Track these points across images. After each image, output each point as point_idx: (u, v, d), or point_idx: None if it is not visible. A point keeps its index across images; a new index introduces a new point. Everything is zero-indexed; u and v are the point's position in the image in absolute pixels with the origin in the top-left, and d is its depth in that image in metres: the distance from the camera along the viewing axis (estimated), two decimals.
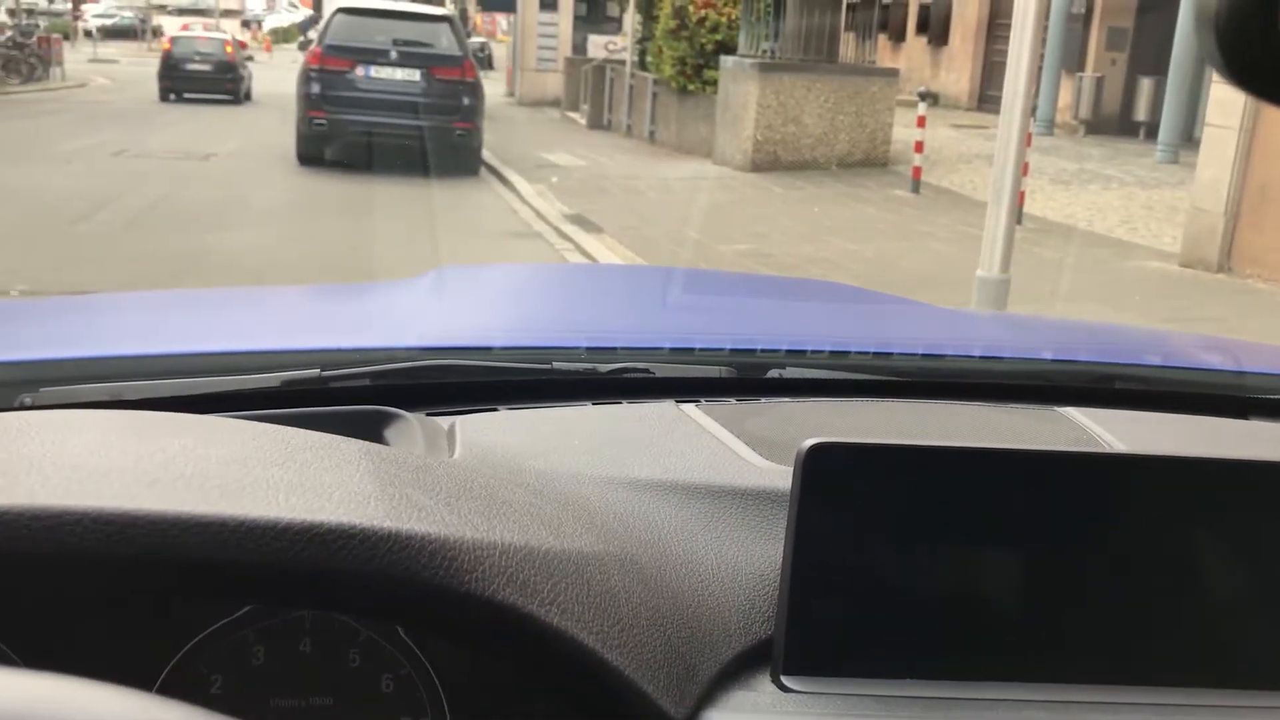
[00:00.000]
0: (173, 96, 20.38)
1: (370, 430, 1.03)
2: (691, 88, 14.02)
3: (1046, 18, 6.84)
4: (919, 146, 11.40)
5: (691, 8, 13.68)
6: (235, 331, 1.48)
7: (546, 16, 22.16)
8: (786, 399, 1.23)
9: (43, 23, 28.63)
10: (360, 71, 12.02)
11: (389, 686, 0.79)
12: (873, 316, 1.94)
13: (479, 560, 0.69)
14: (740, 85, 12.59)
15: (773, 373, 1.30)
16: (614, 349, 1.29)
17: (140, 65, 29.58)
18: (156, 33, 41.84)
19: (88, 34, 37.16)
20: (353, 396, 1.11)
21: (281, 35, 49.41)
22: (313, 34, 16.82)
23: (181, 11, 46.66)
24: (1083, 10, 17.15)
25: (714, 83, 13.29)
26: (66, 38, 29.57)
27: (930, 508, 0.83)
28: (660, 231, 9.29)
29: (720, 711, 0.78)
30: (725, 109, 12.89)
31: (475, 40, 27.13)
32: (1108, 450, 1.07)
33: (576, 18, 22.12)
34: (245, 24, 47.13)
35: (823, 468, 0.81)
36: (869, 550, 0.83)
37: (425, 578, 0.67)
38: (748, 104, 12.47)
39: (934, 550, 0.84)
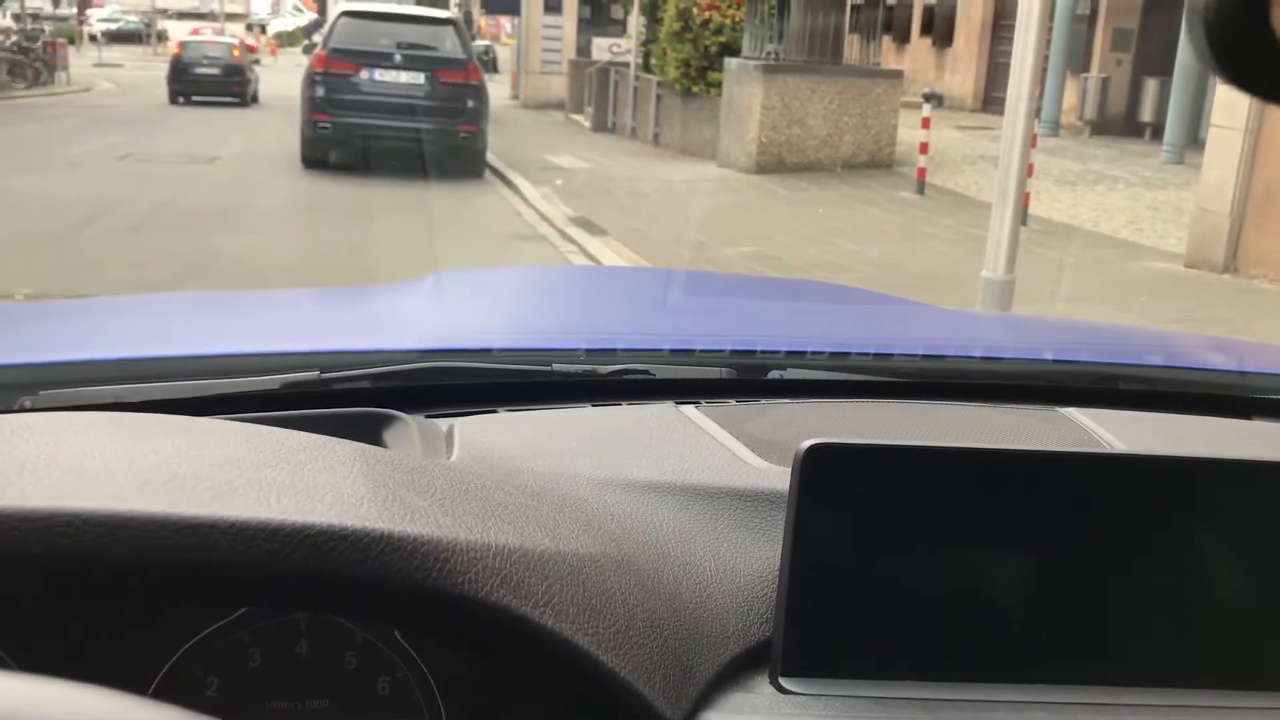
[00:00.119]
0: (181, 99, 20.68)
1: (369, 432, 1.03)
2: (696, 90, 14.02)
3: (1051, 19, 6.83)
4: (924, 148, 11.39)
5: (695, 10, 13.68)
6: (235, 334, 1.48)
7: (551, 19, 22.18)
8: (786, 400, 1.23)
9: (48, 27, 28.74)
10: (364, 75, 12.04)
11: (385, 689, 0.79)
12: (873, 317, 1.94)
13: (473, 562, 0.69)
14: (744, 87, 12.59)
15: (773, 374, 1.29)
16: (614, 350, 1.29)
17: (145, 70, 29.71)
18: (161, 37, 42.01)
19: (93, 39, 37.34)
20: (352, 399, 1.11)
21: (286, 39, 49.54)
22: (317, 38, 16.86)
23: (182, 15, 46.82)
24: (1087, 11, 17.13)
25: (718, 85, 13.29)
26: (72, 42, 29.68)
27: (929, 508, 0.83)
28: (665, 234, 9.29)
29: (718, 713, 0.78)
30: (729, 111, 12.89)
31: (479, 43, 27.17)
32: (1109, 451, 1.07)
33: (581, 20, 22.14)
34: (249, 28, 47.25)
35: (821, 468, 0.81)
36: (868, 551, 0.82)
37: (418, 579, 0.66)
38: (752, 106, 12.46)
39: (933, 551, 0.83)
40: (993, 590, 0.84)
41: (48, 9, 37.32)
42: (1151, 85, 15.71)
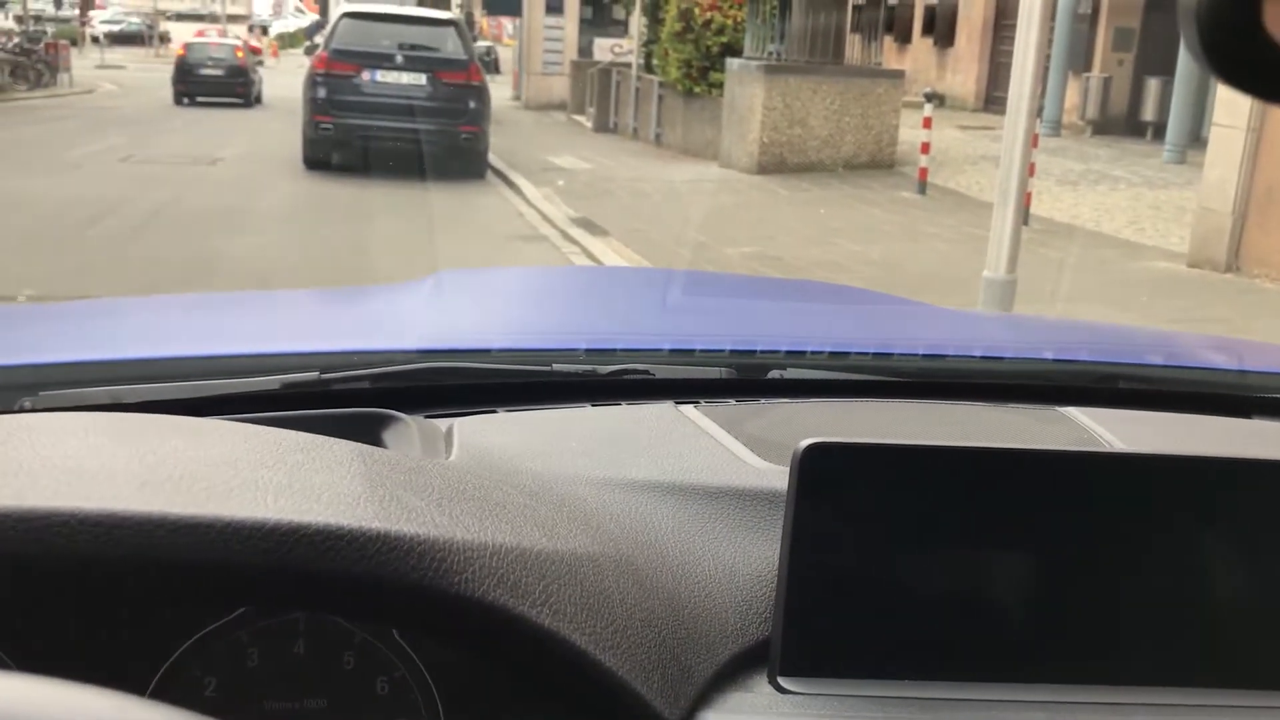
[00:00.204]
0: (186, 100, 20.88)
1: (368, 433, 1.03)
2: (697, 90, 14.02)
3: (1053, 18, 6.83)
4: (925, 148, 11.39)
5: (697, 10, 13.68)
6: (235, 335, 1.48)
7: (552, 20, 22.18)
8: (786, 400, 1.23)
9: (50, 29, 28.75)
10: (366, 76, 12.04)
11: (384, 689, 0.79)
12: (873, 317, 1.93)
13: (469, 561, 0.69)
14: (746, 88, 12.59)
15: (773, 374, 1.29)
16: (613, 350, 1.29)
17: (147, 71, 29.75)
18: (163, 39, 42.06)
19: (95, 40, 37.40)
20: (352, 399, 1.11)
21: (288, 40, 49.60)
22: (319, 39, 16.88)
23: (181, 17, 46.89)
24: (1089, 11, 17.12)
25: (720, 85, 13.29)
26: (74, 44, 29.72)
27: (928, 507, 0.83)
28: (666, 234, 9.29)
29: (717, 713, 0.78)
30: (731, 111, 12.88)
31: (481, 44, 27.19)
32: (1109, 450, 1.07)
33: (582, 21, 22.14)
34: (250, 29, 47.31)
35: (819, 468, 0.81)
36: (867, 550, 0.82)
37: (414, 579, 0.66)
38: (753, 106, 12.46)
39: (932, 550, 0.83)
40: (992, 590, 0.84)
41: (50, 11, 37.35)
42: (1153, 85, 15.70)
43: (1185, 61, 13.06)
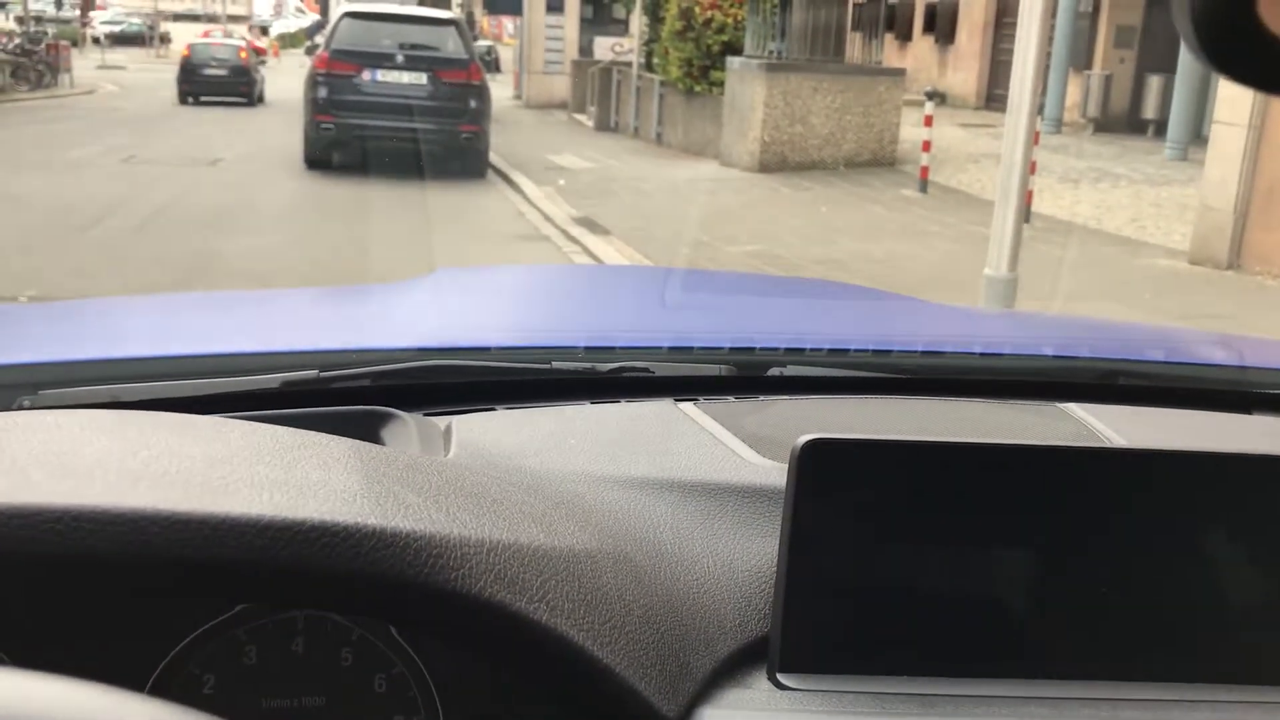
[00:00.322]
0: (190, 100, 21.13)
1: (367, 430, 1.03)
2: (698, 89, 14.02)
3: (1054, 15, 6.82)
4: (926, 146, 11.38)
5: (697, 9, 13.67)
6: (234, 333, 1.48)
7: (553, 19, 22.17)
8: (785, 397, 1.23)
9: (51, 30, 28.76)
10: (367, 76, 12.04)
11: (382, 686, 0.79)
12: (872, 314, 1.93)
13: (466, 558, 0.69)
14: (747, 86, 12.59)
15: (772, 371, 1.29)
16: (612, 348, 1.29)
17: (148, 72, 29.77)
18: (164, 39, 42.08)
19: (96, 41, 37.43)
20: (351, 397, 1.11)
21: (289, 40, 49.62)
22: (319, 39, 16.89)
23: (179, 17, 46.93)
24: (1090, 8, 17.10)
25: (720, 84, 13.29)
26: (75, 45, 29.74)
27: (927, 503, 0.83)
28: (668, 233, 9.28)
29: (716, 709, 0.78)
30: (732, 110, 12.88)
31: (482, 43, 27.21)
32: (1108, 445, 1.06)
33: (583, 20, 22.13)
34: (250, 29, 47.33)
35: (818, 464, 0.81)
36: (865, 546, 0.82)
37: (410, 575, 0.66)
38: (754, 105, 12.46)
39: (931, 546, 0.83)
40: (991, 585, 0.84)
41: (50, 11, 37.35)
42: (1155, 82, 15.69)
43: (1186, 59, 13.04)
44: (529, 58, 22.59)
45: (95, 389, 1.08)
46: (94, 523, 0.61)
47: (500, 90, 20.25)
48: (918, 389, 1.30)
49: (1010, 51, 6.02)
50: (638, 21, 17.06)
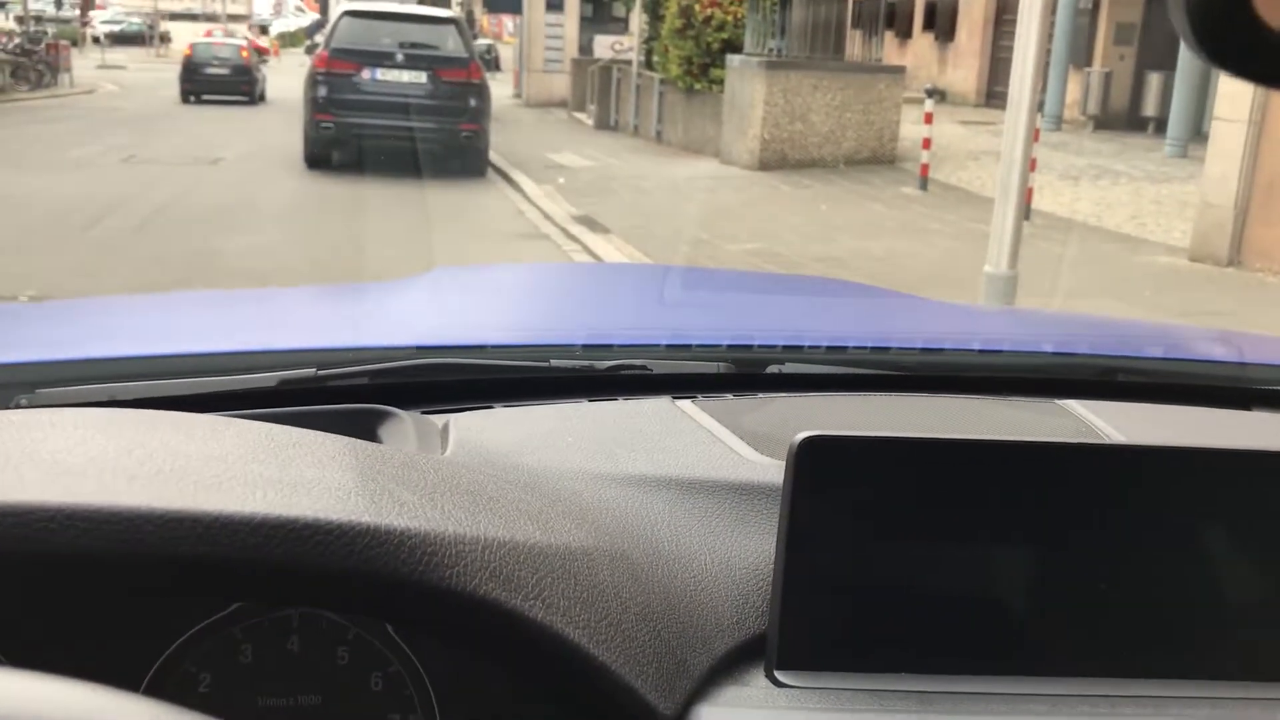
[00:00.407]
0: (192, 98, 21.34)
1: (364, 428, 1.03)
2: (698, 87, 14.01)
3: (1053, 12, 6.81)
4: (926, 143, 11.38)
5: (697, 7, 13.67)
6: (232, 332, 1.48)
7: (552, 18, 22.17)
8: (783, 394, 1.23)
9: (51, 29, 28.77)
10: (366, 74, 12.03)
11: (378, 684, 0.79)
12: (871, 311, 1.93)
13: (460, 555, 0.69)
14: (747, 84, 12.58)
15: (770, 368, 1.29)
16: (610, 346, 1.28)
17: (148, 71, 29.78)
18: (164, 39, 42.08)
19: (96, 40, 37.43)
20: (349, 395, 1.11)
21: (289, 39, 49.63)
22: (319, 38, 16.90)
23: (176, 17, 46.95)
24: (1090, 5, 17.10)
25: (720, 82, 13.28)
26: (74, 44, 29.74)
27: (924, 500, 0.82)
28: (668, 231, 9.28)
29: (713, 707, 0.78)
30: (732, 108, 12.87)
31: (481, 42, 27.21)
32: (1106, 441, 1.06)
33: (582, 18, 22.13)
34: (250, 28, 47.32)
35: (815, 461, 0.80)
36: (863, 543, 0.82)
37: (405, 573, 0.66)
38: (754, 103, 12.45)
39: (928, 543, 0.83)
40: (989, 582, 0.84)
41: (50, 11, 37.34)
42: (1155, 79, 15.68)
43: (1186, 56, 13.03)
44: (529, 56, 22.59)
45: (92, 388, 1.08)
46: (88, 521, 0.61)
47: (500, 89, 20.26)
48: (917, 386, 1.30)
49: (1010, 49, 6.01)
50: (637, 19, 17.05)
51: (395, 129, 12.02)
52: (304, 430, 0.81)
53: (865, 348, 1.37)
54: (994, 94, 18.73)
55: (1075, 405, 1.18)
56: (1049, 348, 1.46)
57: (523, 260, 8.32)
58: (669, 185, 11.74)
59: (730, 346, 1.31)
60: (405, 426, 1.02)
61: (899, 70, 14.00)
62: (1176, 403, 1.26)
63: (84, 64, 28.65)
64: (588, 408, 1.15)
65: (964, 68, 20.47)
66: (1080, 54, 16.73)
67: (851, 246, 8.60)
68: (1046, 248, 8.28)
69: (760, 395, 1.22)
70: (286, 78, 24.42)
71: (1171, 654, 0.84)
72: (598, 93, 17.93)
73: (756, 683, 0.81)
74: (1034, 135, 5.70)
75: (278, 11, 60.81)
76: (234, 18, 48.55)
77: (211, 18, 47.67)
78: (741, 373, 1.28)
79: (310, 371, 1.13)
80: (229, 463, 0.70)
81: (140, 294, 5.36)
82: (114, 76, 27.78)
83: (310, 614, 0.77)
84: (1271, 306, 7.26)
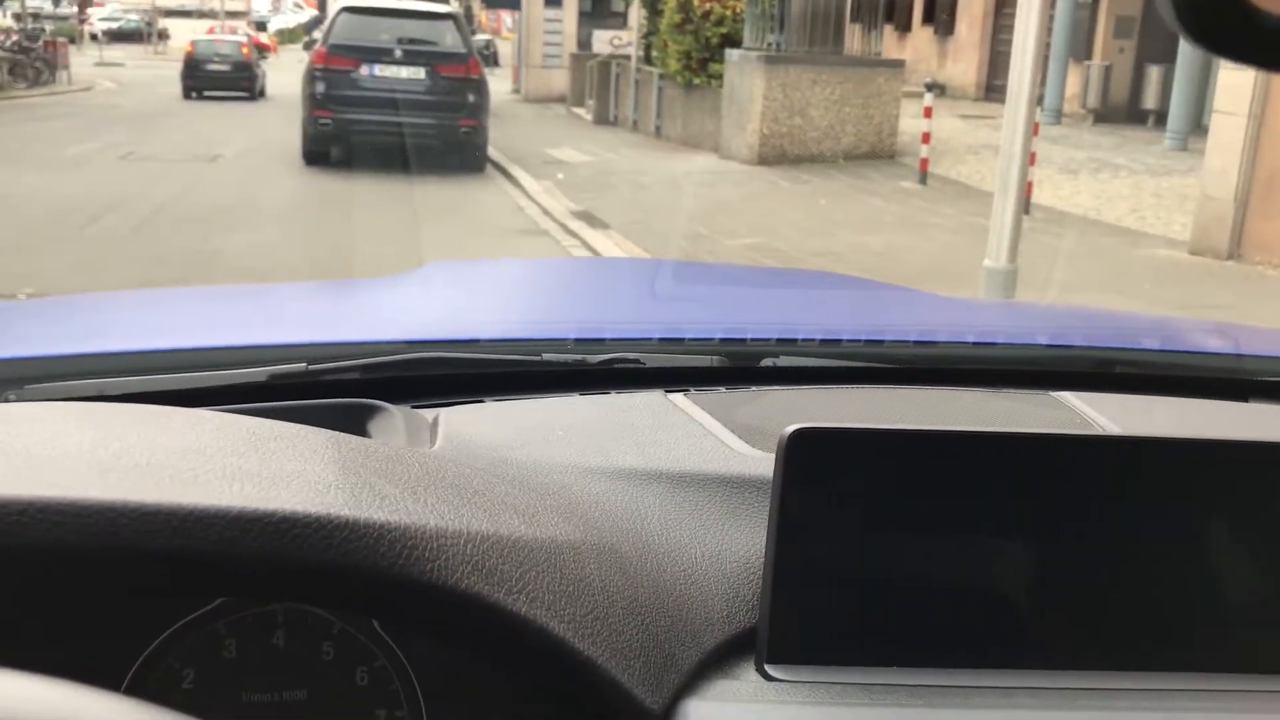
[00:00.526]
0: (194, 94, 21.72)
1: (354, 423, 1.02)
2: (697, 82, 14.00)
3: (1053, 6, 6.80)
4: (926, 138, 11.37)
5: (696, 1, 13.65)
6: (223, 327, 1.47)
7: (551, 13, 22.16)
8: (777, 387, 1.22)
9: (48, 27, 28.76)
10: (365, 70, 12.02)
11: (364, 679, 0.78)
12: (865, 304, 1.92)
13: (442, 549, 0.68)
14: (746, 79, 12.57)
15: (765, 361, 1.28)
16: (602, 340, 1.28)
17: (146, 68, 29.79)
18: (162, 36, 42.06)
19: (93, 38, 37.41)
20: (340, 390, 1.10)
21: (287, 36, 49.62)
22: (317, 34, 16.91)
23: (170, 13, 46.95)
24: None
25: (719, 76, 13.27)
26: (72, 41, 29.73)
27: (915, 492, 0.82)
28: (667, 226, 9.27)
29: (702, 701, 0.77)
30: (731, 103, 12.86)
31: (480, 37, 27.22)
32: (1101, 433, 1.05)
33: (581, 13, 22.11)
34: (247, 24, 47.28)
35: (806, 454, 0.80)
36: (854, 536, 0.81)
37: (384, 567, 0.65)
38: (753, 97, 12.44)
39: (920, 536, 0.82)
40: (981, 575, 0.83)
41: (48, 8, 37.28)
42: (1155, 72, 15.67)
43: (1186, 49, 13.02)
44: (527, 51, 22.57)
45: (82, 383, 1.07)
46: (60, 514, 0.60)
47: (499, 84, 20.26)
48: (911, 379, 1.29)
49: (1010, 42, 6.00)
50: (636, 14, 17.03)
51: (394, 125, 12.01)
52: (288, 424, 0.80)
53: (859, 340, 1.36)
54: (994, 88, 18.71)
55: (1069, 397, 1.17)
56: (1044, 340, 1.45)
57: (522, 256, 8.32)
58: (668, 180, 11.73)
59: (723, 340, 1.31)
60: (395, 421, 1.01)
61: (898, 64, 13.98)
62: (1173, 395, 1.25)
63: (82, 61, 28.62)
64: (579, 401, 1.14)
65: (964, 61, 20.44)
66: (1080, 47, 16.71)
67: (851, 241, 8.60)
68: (1046, 241, 8.27)
69: (754, 388, 1.21)
70: (285, 74, 24.46)
71: (1166, 646, 0.84)
72: (596, 88, 17.91)
73: (747, 676, 0.80)
74: (1033, 129, 5.69)
75: (276, 8, 60.77)
76: (232, 14, 48.50)
77: (210, 14, 47.67)
78: (735, 366, 1.27)
79: (301, 366, 1.12)
80: (208, 456, 0.70)
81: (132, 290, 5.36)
82: (112, 74, 27.75)
83: (295, 609, 0.76)
84: (1272, 299, 7.25)
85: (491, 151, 12.95)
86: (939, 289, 4.38)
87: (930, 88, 11.58)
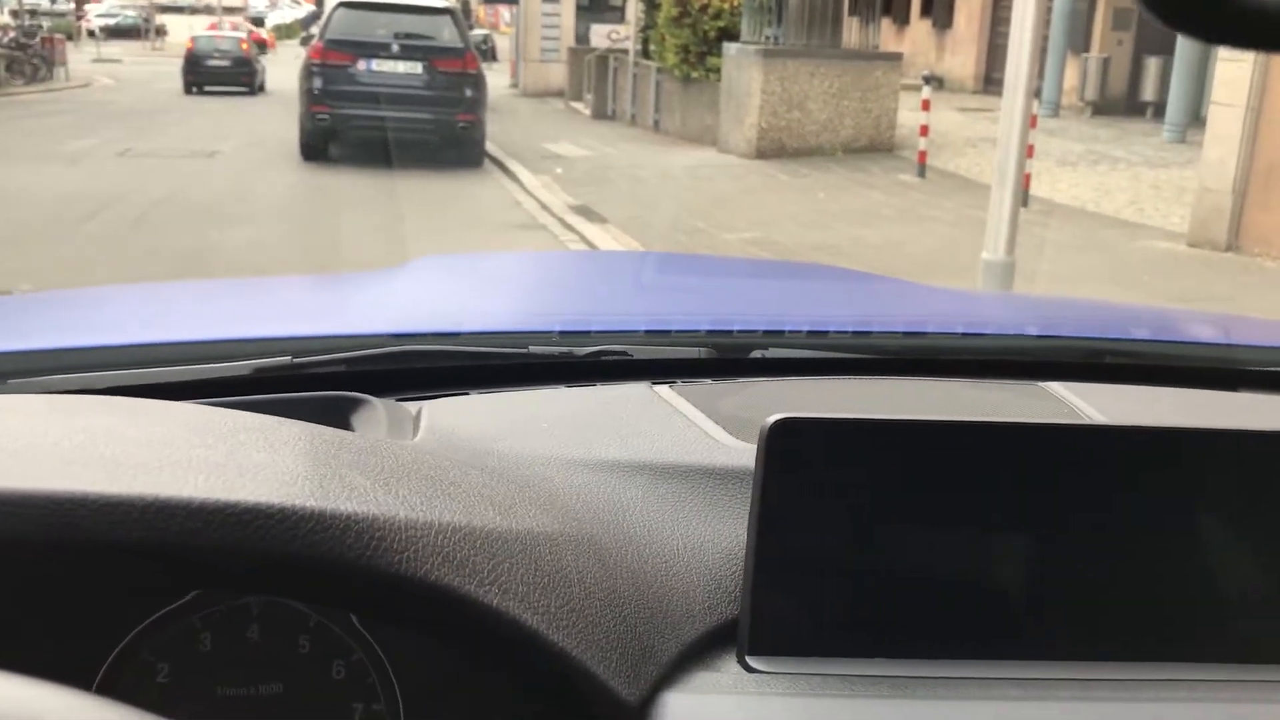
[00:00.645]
0: (195, 90, 22.00)
1: (338, 416, 1.01)
2: (695, 76, 13.98)
3: None
4: (924, 131, 11.35)
5: None
6: (210, 321, 1.46)
7: (549, 7, 22.12)
8: (764, 379, 1.21)
9: (46, 23, 28.75)
10: (362, 65, 12.00)
11: (340, 673, 0.77)
12: (853, 295, 1.91)
13: (411, 540, 0.68)
14: (744, 72, 12.54)
15: (753, 353, 1.27)
16: (588, 332, 1.27)
17: (144, 65, 29.74)
18: (160, 32, 42.01)
19: (91, 34, 37.33)
20: (326, 383, 1.10)
21: (284, 31, 49.57)
22: (314, 29, 16.88)
23: (163, 9, 46.91)
24: None
25: (717, 70, 13.25)
26: (70, 38, 29.67)
27: (898, 483, 0.81)
28: (665, 221, 9.26)
29: (682, 693, 0.77)
30: (729, 97, 12.84)
31: (478, 32, 27.19)
32: (1089, 422, 1.05)
33: (579, 8, 22.06)
34: (244, 19, 47.21)
35: (788, 444, 0.79)
36: (836, 527, 0.81)
37: (350, 558, 0.65)
38: (751, 91, 12.42)
39: (902, 526, 0.81)
40: (965, 566, 0.82)
41: (45, 5, 37.23)
42: (1153, 64, 15.64)
43: (1184, 41, 12.98)
44: (525, 46, 22.54)
45: (65, 377, 1.06)
46: (20, 506, 0.59)
47: (497, 79, 20.23)
48: (899, 369, 1.28)
49: (1008, 35, 5.99)
50: (634, 8, 17.00)
51: (391, 120, 11.98)
52: (262, 416, 0.80)
53: (846, 332, 1.35)
54: (992, 80, 18.67)
55: (1057, 387, 1.16)
56: (1034, 330, 1.45)
57: (518, 251, 8.31)
58: (666, 174, 11.71)
59: (710, 331, 1.30)
60: (377, 413, 1.01)
61: (896, 57, 13.95)
62: (1163, 385, 1.25)
63: (79, 58, 28.55)
64: (563, 394, 1.14)
65: (962, 54, 20.40)
66: (1078, 39, 16.68)
67: (849, 234, 8.58)
68: (1044, 234, 8.26)
69: (740, 380, 1.21)
70: (284, 69, 24.45)
71: (1149, 635, 0.83)
72: (594, 82, 17.89)
73: (728, 668, 0.80)
74: (1031, 121, 5.68)
75: (273, 3, 60.67)
76: (229, 10, 48.41)
77: (206, 10, 47.64)
78: (723, 358, 1.27)
79: (285, 359, 1.11)
80: (175, 448, 0.69)
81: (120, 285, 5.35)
82: (110, 70, 27.70)
83: (270, 602, 0.76)
84: (1270, 291, 7.24)
85: (489, 146, 12.93)
86: (937, 282, 4.37)
87: (928, 80, 11.57)
